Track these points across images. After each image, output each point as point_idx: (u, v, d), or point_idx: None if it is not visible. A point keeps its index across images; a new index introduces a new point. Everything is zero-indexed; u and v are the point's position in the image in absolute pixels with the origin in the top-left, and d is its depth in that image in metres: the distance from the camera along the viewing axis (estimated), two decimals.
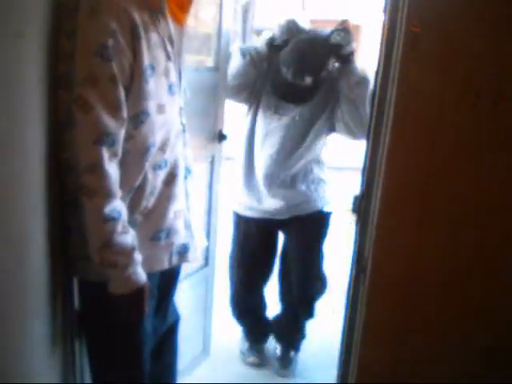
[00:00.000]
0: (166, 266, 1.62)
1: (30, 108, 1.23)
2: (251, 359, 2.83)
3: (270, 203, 2.49)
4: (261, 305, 2.87)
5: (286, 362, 2.80)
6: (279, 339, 2.87)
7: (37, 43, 1.23)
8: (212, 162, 2.38)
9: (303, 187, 2.49)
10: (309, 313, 2.74)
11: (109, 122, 1.32)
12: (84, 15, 1.29)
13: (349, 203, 1.67)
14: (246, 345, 2.89)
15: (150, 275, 1.53)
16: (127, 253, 1.40)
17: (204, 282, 2.54)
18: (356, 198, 1.63)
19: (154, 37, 1.43)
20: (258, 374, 2.77)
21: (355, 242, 1.63)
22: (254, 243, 2.66)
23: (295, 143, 2.43)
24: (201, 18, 2.10)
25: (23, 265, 1.26)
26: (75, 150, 1.32)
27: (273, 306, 2.91)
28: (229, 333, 2.99)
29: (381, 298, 1.56)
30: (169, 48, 1.49)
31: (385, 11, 1.47)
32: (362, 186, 1.60)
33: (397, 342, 1.61)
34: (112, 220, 1.36)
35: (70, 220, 1.47)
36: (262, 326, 2.90)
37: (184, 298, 2.10)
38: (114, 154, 1.36)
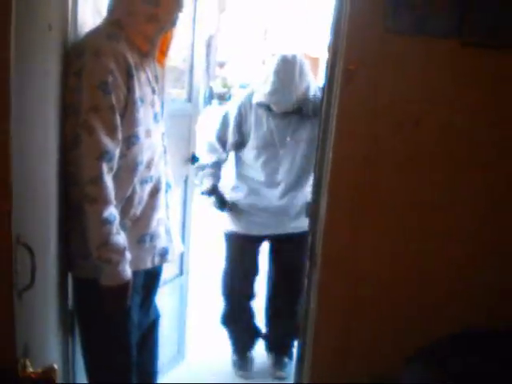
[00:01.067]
0: (149, 265, 1.91)
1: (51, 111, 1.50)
2: (241, 373, 3.02)
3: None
4: (250, 313, 3.09)
5: (280, 366, 3.01)
6: (272, 349, 3.09)
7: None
8: (186, 181, 2.70)
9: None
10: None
11: (108, 142, 1.63)
12: (89, 58, 1.62)
13: None
14: (235, 359, 3.07)
15: (135, 273, 1.83)
16: (120, 251, 1.69)
17: (179, 290, 2.82)
18: (308, 204, 1.96)
19: (143, 75, 1.76)
20: (229, 377, 3.01)
21: (309, 241, 1.95)
22: (245, 258, 2.94)
23: None
24: (174, 57, 2.42)
25: (47, 253, 1.51)
26: (79, 165, 1.62)
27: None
28: (203, 338, 3.25)
29: (330, 288, 1.88)
30: (154, 84, 1.83)
31: (328, 51, 1.83)
32: (312, 195, 1.94)
33: (345, 326, 1.92)
34: (109, 223, 1.65)
35: (70, 223, 1.75)
36: (251, 333, 3.11)
37: (160, 303, 2.32)
38: (110, 169, 1.66)
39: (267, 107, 2.69)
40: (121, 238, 1.70)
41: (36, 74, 1.27)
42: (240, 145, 2.80)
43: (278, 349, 3.07)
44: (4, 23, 0.95)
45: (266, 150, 2.73)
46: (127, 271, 1.72)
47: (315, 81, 2.75)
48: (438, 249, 1.84)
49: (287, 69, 2.59)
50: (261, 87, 2.68)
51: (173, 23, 1.82)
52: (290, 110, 2.65)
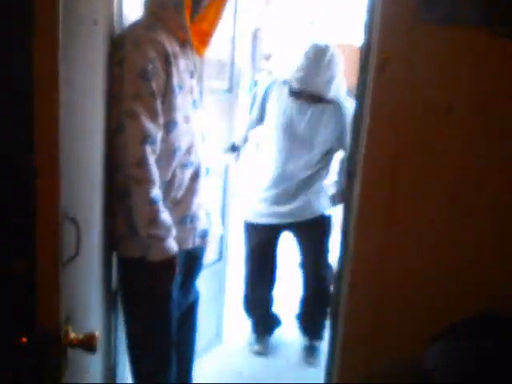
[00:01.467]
0: (190, 245, 2.01)
1: (97, 99, 1.61)
2: (256, 348, 3.18)
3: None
4: (269, 301, 3.23)
5: (311, 351, 3.14)
6: (304, 331, 3.21)
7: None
8: (226, 169, 2.79)
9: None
10: (326, 301, 3.03)
11: (150, 126, 1.73)
12: (129, 48, 1.72)
13: None
14: (254, 336, 3.24)
15: (178, 254, 1.93)
16: (167, 227, 1.80)
17: (217, 275, 2.92)
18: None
19: (182, 63, 1.85)
20: (263, 362, 3.12)
21: (342, 228, 2.01)
22: (262, 247, 3.05)
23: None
24: (217, 50, 2.51)
25: (92, 229, 1.62)
26: (125, 149, 1.72)
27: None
28: (239, 323, 3.35)
29: (360, 277, 1.93)
30: (193, 72, 1.91)
31: (362, 40, 1.87)
32: (346, 182, 1.99)
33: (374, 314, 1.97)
34: (156, 202, 1.76)
35: (116, 206, 1.86)
36: (269, 320, 3.25)
37: (199, 288, 2.42)
38: (154, 152, 1.76)
39: (290, 89, 2.77)
40: (167, 216, 1.80)
41: (83, 65, 1.37)
42: (260, 121, 2.93)
43: (309, 330, 3.17)
44: (52, 19, 1.04)
45: (284, 132, 2.82)
46: (174, 246, 1.83)
47: (344, 81, 2.80)
48: (464, 244, 1.87)
49: (317, 54, 2.67)
50: (288, 69, 2.78)
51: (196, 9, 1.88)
52: (309, 91, 2.71)
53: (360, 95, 1.88)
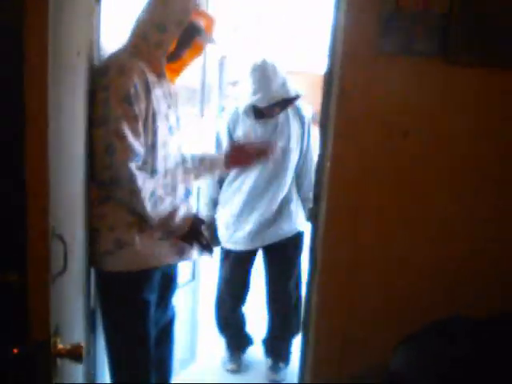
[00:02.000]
0: (169, 261, 2.12)
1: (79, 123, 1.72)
2: (230, 366, 3.26)
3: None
4: (242, 321, 3.31)
5: (276, 370, 3.20)
6: (269, 354, 3.28)
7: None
8: (198, 192, 2.90)
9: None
10: (296, 328, 3.12)
11: (136, 145, 1.86)
12: (114, 74, 1.85)
13: None
14: (227, 355, 3.31)
15: (154, 271, 2.03)
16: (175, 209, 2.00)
17: (191, 294, 3.00)
18: (309, 210, 2.14)
19: (159, 91, 1.97)
20: (236, 379, 3.20)
21: (310, 243, 2.13)
22: (237, 269, 3.13)
23: None
24: (188, 77, 2.64)
25: (75, 245, 1.70)
26: (116, 168, 1.85)
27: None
28: (213, 342, 3.42)
29: (330, 281, 2.05)
30: (168, 100, 2.04)
31: (325, 71, 2.02)
32: (314, 200, 2.12)
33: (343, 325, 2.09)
34: (154, 199, 1.94)
35: (95, 223, 1.95)
36: (242, 339, 3.33)
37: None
38: (137, 167, 1.89)
39: (254, 113, 2.87)
40: (167, 204, 1.99)
41: (68, 93, 1.47)
42: None
43: (275, 352, 3.25)
44: (42, 52, 1.14)
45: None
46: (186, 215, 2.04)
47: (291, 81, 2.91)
48: (434, 248, 2.01)
49: (260, 69, 2.80)
50: (243, 95, 2.88)
51: (175, 55, 2.06)
52: (274, 100, 2.79)
53: (324, 121, 2.02)
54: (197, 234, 2.10)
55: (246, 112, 2.89)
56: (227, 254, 3.11)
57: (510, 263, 2.01)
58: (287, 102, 2.87)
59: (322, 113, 2.03)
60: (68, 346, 1.33)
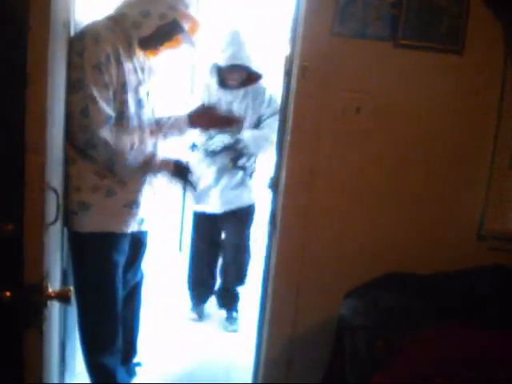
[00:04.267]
0: (133, 229, 2.26)
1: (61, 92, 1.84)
2: (192, 315, 3.59)
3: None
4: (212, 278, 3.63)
5: (231, 321, 3.55)
6: (223, 305, 3.62)
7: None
8: None
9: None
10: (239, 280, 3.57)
11: (107, 109, 2.00)
12: (89, 41, 1.97)
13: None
14: (192, 305, 3.63)
15: (123, 235, 2.18)
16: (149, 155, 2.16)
17: None
18: (271, 179, 2.34)
19: (129, 65, 2.11)
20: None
21: (271, 208, 2.33)
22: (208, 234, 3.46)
23: None
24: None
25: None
26: (91, 130, 1.99)
27: None
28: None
29: (286, 245, 2.26)
30: (139, 74, 2.17)
31: (287, 51, 2.21)
32: (274, 169, 2.31)
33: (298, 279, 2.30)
34: (131, 151, 2.11)
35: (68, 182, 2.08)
36: (207, 293, 3.65)
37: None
38: (110, 130, 2.04)
39: (217, 78, 3.09)
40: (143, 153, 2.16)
41: (55, 59, 1.60)
42: None
43: (228, 304, 3.60)
44: (44, 22, 1.27)
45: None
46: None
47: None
48: (379, 211, 2.24)
49: (235, 33, 3.06)
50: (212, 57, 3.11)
51: (152, 42, 2.18)
52: (237, 61, 3.02)
53: (285, 97, 2.21)
54: (183, 170, 2.29)
55: (211, 72, 3.11)
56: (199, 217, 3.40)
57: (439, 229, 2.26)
58: (249, 78, 3.06)
59: (284, 89, 2.22)
60: (57, 290, 1.47)
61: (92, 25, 2.08)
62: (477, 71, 2.15)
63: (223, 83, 3.12)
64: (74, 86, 1.96)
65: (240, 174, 3.26)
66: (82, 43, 1.98)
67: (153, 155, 2.18)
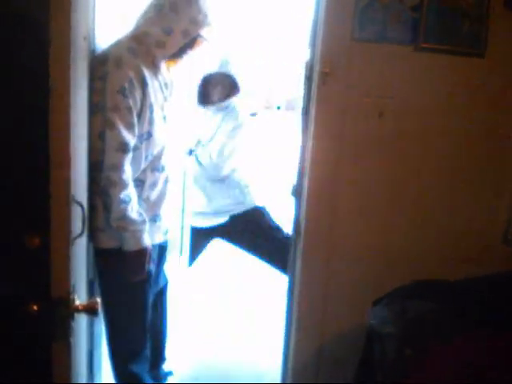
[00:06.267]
0: (157, 240, 2.27)
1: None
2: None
3: None
4: None
5: None
6: None
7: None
8: (184, 175, 3.07)
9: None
10: None
11: (126, 135, 2.00)
12: (111, 66, 1.97)
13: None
14: None
15: (152, 246, 2.19)
16: (136, 224, 2.06)
17: None
18: (294, 186, 2.33)
19: (156, 83, 2.12)
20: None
21: (294, 215, 2.32)
22: None
23: None
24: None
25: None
26: (104, 154, 1.98)
27: None
28: None
29: (312, 252, 2.25)
30: (164, 91, 2.18)
31: (307, 58, 2.20)
32: (297, 176, 2.30)
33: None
34: (125, 203, 2.03)
35: (95, 201, 2.08)
36: None
37: None
38: (128, 158, 2.02)
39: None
40: (136, 214, 2.06)
41: (78, 75, 1.62)
42: None
43: None
44: (65, 35, 1.29)
45: None
46: (144, 240, 2.09)
47: None
48: (405, 217, 2.22)
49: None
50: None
51: (176, 55, 2.17)
52: (219, 69, 3.01)
53: (306, 104, 2.20)
54: (141, 262, 2.14)
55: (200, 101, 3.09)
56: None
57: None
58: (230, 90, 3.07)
59: (304, 97, 2.21)
60: (84, 302, 1.48)
61: (114, 48, 2.07)
62: (500, 73, 2.13)
63: (204, 100, 3.10)
64: (94, 108, 1.96)
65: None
66: (104, 68, 1.98)
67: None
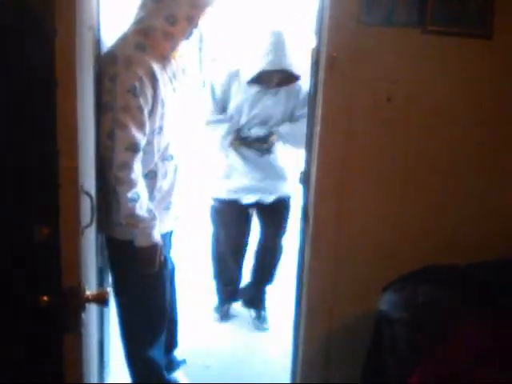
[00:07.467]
0: (169, 228, 2.30)
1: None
2: (216, 316, 3.53)
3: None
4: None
5: (261, 320, 3.48)
6: (250, 305, 3.54)
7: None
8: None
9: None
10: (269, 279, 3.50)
11: (136, 135, 1.99)
12: (121, 66, 1.96)
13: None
14: (216, 304, 3.57)
15: (165, 235, 2.21)
16: (145, 221, 2.07)
17: None
18: (302, 173, 2.32)
19: (165, 77, 2.11)
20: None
21: (303, 202, 2.31)
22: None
23: None
24: None
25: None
26: (113, 152, 1.98)
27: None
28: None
29: (320, 239, 2.24)
30: (173, 82, 2.17)
31: (314, 43, 2.18)
32: (305, 163, 2.29)
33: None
34: (133, 201, 2.04)
35: (111, 196, 2.09)
36: (234, 293, 3.57)
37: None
38: (137, 157, 2.02)
39: (259, 74, 2.96)
40: (145, 212, 2.07)
41: (83, 66, 1.60)
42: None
43: (256, 302, 3.53)
44: (70, 25, 1.28)
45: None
46: (154, 236, 2.10)
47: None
48: (415, 201, 2.20)
49: (277, 35, 2.92)
50: (250, 62, 2.99)
51: (186, 39, 2.14)
52: (281, 66, 2.92)
53: (313, 90, 2.18)
54: (152, 257, 2.16)
55: (253, 79, 2.99)
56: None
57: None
58: (287, 79, 3.01)
59: (311, 81, 2.20)
60: (94, 292, 1.48)
61: (122, 46, 2.05)
62: (508, 54, 2.10)
63: (258, 83, 3.03)
64: (104, 107, 1.96)
65: (273, 163, 3.16)
66: (114, 69, 1.96)
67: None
